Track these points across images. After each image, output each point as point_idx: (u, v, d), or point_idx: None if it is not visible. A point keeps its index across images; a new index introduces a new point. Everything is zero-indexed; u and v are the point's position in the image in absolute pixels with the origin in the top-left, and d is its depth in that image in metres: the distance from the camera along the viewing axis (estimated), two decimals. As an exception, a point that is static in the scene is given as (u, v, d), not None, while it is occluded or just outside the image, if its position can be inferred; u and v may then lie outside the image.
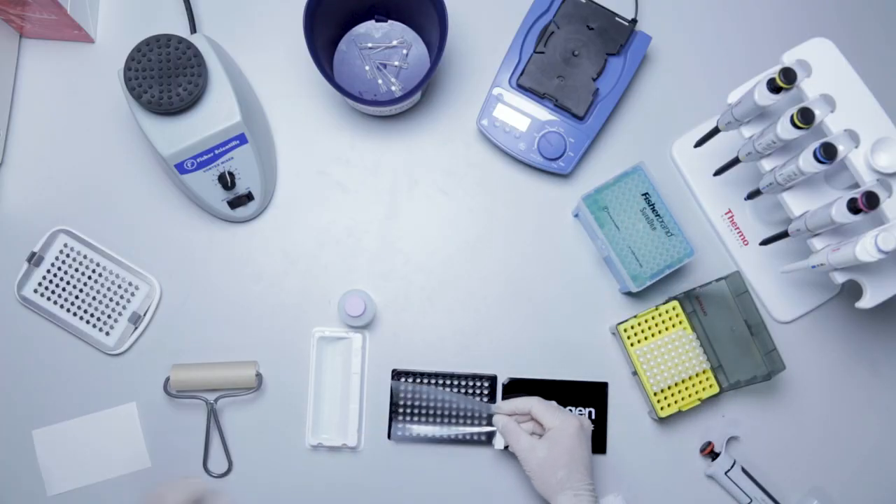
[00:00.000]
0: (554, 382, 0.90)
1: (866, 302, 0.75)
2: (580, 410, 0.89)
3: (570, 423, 0.79)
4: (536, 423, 0.82)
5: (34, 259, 0.89)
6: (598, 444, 0.89)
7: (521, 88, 0.90)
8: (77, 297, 0.89)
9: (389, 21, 0.93)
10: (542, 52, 0.90)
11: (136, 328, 0.89)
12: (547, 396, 0.88)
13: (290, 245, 0.92)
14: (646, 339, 0.87)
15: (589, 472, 0.79)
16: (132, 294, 0.89)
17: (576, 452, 0.78)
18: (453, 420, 0.88)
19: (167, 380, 0.86)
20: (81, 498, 0.88)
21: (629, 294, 0.91)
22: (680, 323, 0.88)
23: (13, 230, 0.91)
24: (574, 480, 0.77)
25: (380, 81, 0.93)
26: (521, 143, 0.90)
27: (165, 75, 0.81)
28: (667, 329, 0.88)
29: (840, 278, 0.75)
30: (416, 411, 0.88)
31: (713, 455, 0.89)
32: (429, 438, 0.88)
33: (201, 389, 0.87)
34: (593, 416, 0.89)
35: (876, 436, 0.92)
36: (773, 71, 0.71)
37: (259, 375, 0.87)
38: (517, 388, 0.89)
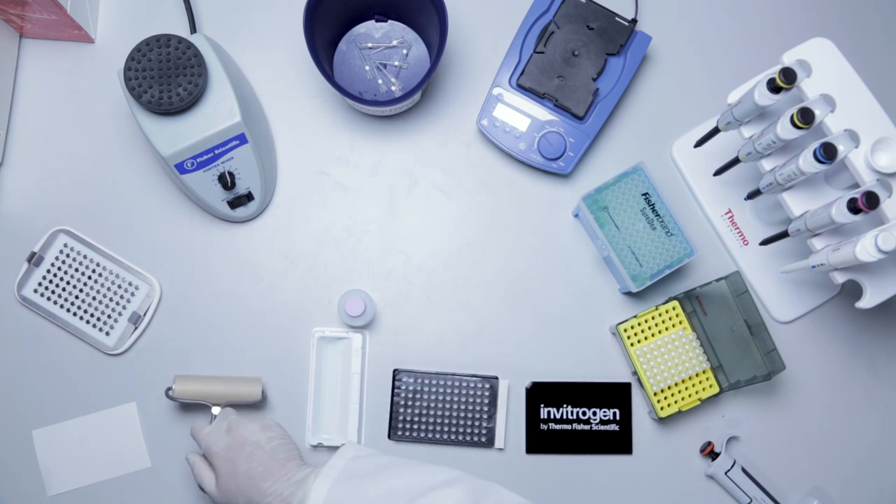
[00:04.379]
0: (577, 385, 0.89)
1: (866, 302, 0.75)
2: (604, 412, 0.89)
3: (214, 446, 0.74)
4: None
5: (34, 259, 0.89)
6: (624, 444, 0.89)
7: (521, 88, 0.90)
8: (77, 297, 0.89)
9: (389, 21, 0.93)
10: (542, 52, 0.90)
11: (136, 328, 0.89)
12: (568, 399, 0.88)
13: (290, 245, 0.92)
14: (646, 339, 0.87)
15: (264, 478, 0.72)
16: (132, 294, 0.89)
17: (238, 475, 0.73)
18: (453, 420, 0.88)
19: (169, 388, 0.85)
20: (81, 498, 0.88)
21: (629, 294, 0.91)
22: (680, 323, 0.88)
23: (13, 230, 0.91)
24: (256, 499, 0.72)
25: (380, 81, 0.93)
26: (521, 143, 0.90)
27: (165, 75, 0.81)
28: (667, 329, 0.88)
29: (840, 278, 0.75)
30: (416, 411, 0.88)
31: (713, 455, 0.89)
32: (429, 439, 0.88)
33: (204, 399, 0.85)
34: (617, 417, 0.89)
35: (876, 436, 0.92)
36: (773, 71, 0.71)
37: (264, 394, 0.86)
38: (541, 392, 0.89)
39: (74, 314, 0.89)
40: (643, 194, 0.85)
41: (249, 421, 0.78)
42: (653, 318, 0.88)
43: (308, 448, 0.88)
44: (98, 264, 0.90)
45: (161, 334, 0.90)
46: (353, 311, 0.84)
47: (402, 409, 0.89)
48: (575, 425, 0.89)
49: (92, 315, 0.89)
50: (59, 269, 0.89)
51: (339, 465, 0.72)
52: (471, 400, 0.89)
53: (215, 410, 0.84)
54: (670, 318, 0.88)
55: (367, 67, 0.93)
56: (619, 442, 0.89)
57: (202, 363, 0.89)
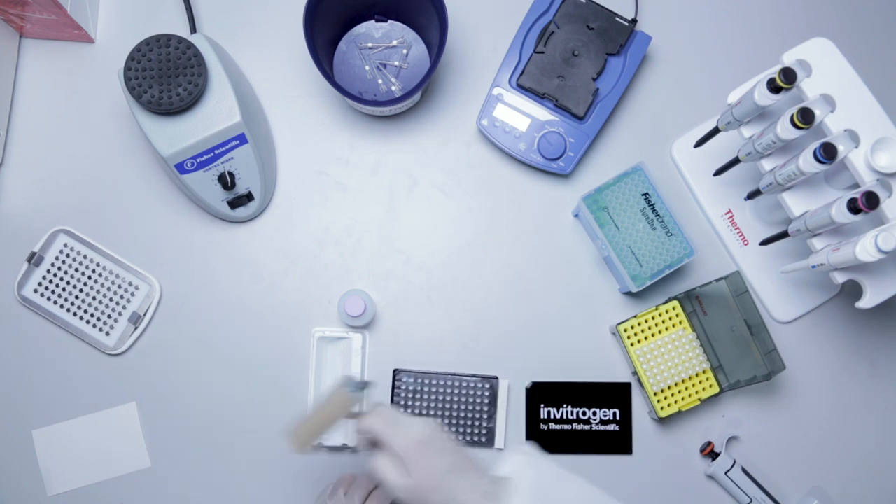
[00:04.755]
0: (577, 385, 0.89)
1: (866, 302, 0.75)
2: (604, 412, 0.89)
3: (416, 438, 0.69)
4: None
5: (34, 259, 0.89)
6: (624, 444, 0.89)
7: (521, 88, 0.90)
8: (77, 297, 0.89)
9: (389, 21, 0.93)
10: (542, 52, 0.90)
11: (136, 328, 0.89)
12: (568, 399, 0.88)
13: (290, 245, 0.92)
14: (646, 339, 0.87)
15: (461, 474, 0.67)
16: (132, 294, 0.89)
17: (438, 467, 0.68)
18: (454, 420, 0.88)
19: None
20: (81, 498, 0.88)
21: (629, 294, 0.91)
22: (680, 323, 0.88)
23: (13, 230, 0.91)
24: (453, 494, 0.67)
25: (380, 81, 0.93)
26: (521, 143, 0.90)
27: (165, 75, 0.81)
28: (667, 329, 0.88)
29: (840, 278, 0.75)
30: (416, 411, 0.88)
31: (713, 455, 0.89)
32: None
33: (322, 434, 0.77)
34: (617, 417, 0.89)
35: (876, 436, 0.92)
36: (773, 71, 0.71)
37: (362, 383, 0.78)
38: (541, 392, 0.89)
39: (74, 314, 0.89)
40: (643, 194, 0.85)
41: (423, 416, 0.74)
42: (653, 318, 0.88)
43: (308, 448, 0.88)
44: (98, 264, 0.90)
45: (161, 334, 0.90)
46: (353, 311, 0.84)
47: (402, 410, 0.89)
48: (575, 425, 0.89)
49: (92, 315, 0.89)
50: (59, 269, 0.89)
51: (532, 476, 0.69)
52: (471, 400, 0.89)
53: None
54: (670, 318, 0.88)
55: (367, 67, 0.93)
56: (619, 442, 0.89)
57: (202, 363, 0.89)
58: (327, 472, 0.88)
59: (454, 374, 0.89)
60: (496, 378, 0.89)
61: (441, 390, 0.89)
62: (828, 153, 0.69)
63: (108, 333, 0.89)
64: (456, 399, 0.89)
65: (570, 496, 0.69)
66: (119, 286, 0.89)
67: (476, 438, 0.88)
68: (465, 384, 0.89)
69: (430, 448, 0.69)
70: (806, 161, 0.70)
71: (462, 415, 0.88)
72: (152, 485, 0.88)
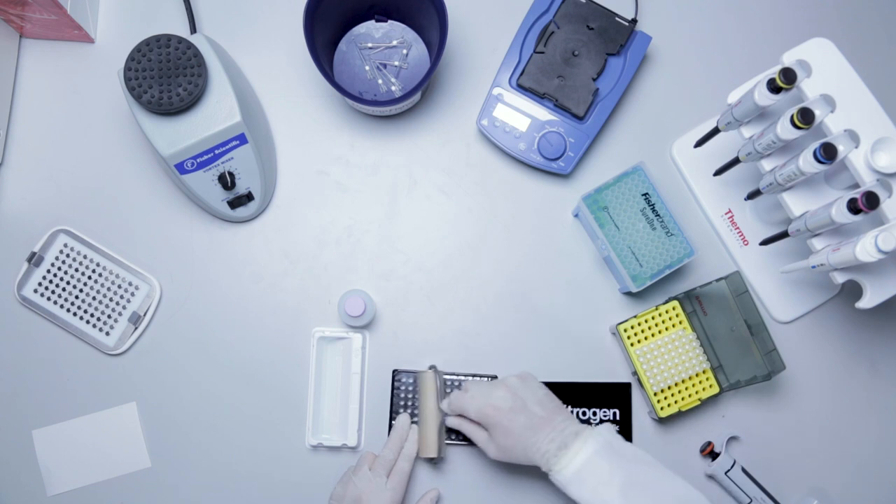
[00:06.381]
0: (577, 385, 0.89)
1: (866, 302, 0.75)
2: (604, 412, 0.89)
3: (489, 408, 0.78)
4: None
5: (34, 259, 0.89)
6: None
7: (521, 88, 0.90)
8: (77, 297, 0.89)
9: (389, 21, 0.93)
10: (542, 52, 0.90)
11: (136, 328, 0.89)
12: (568, 398, 0.89)
13: (290, 245, 0.92)
14: (646, 339, 0.87)
15: (539, 428, 0.77)
16: (132, 294, 0.89)
17: (514, 428, 0.77)
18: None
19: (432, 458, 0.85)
20: (81, 498, 0.88)
21: (629, 294, 0.91)
22: (680, 323, 0.88)
23: (13, 230, 0.91)
24: (533, 449, 0.76)
25: (380, 81, 0.93)
26: (521, 143, 0.90)
27: (165, 75, 0.81)
28: (667, 329, 0.88)
29: (840, 278, 0.75)
30: (416, 411, 0.88)
31: (713, 455, 0.89)
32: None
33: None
34: (617, 417, 0.89)
35: (876, 436, 0.92)
36: (773, 71, 0.71)
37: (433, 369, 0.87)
38: None
39: (74, 314, 0.89)
40: (643, 194, 0.85)
41: (510, 376, 0.82)
42: (653, 318, 0.88)
43: (308, 448, 0.88)
44: (98, 264, 0.90)
45: (161, 334, 0.90)
46: (353, 311, 0.84)
47: (402, 410, 0.89)
48: (575, 425, 0.89)
49: (92, 315, 0.89)
50: (59, 269, 0.89)
51: (605, 434, 0.76)
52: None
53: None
54: (670, 318, 0.88)
55: (367, 67, 0.93)
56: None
57: (202, 363, 0.90)
58: (327, 472, 0.88)
59: (454, 374, 0.89)
60: (496, 378, 0.89)
61: (443, 394, 0.88)
62: (828, 153, 0.69)
63: (108, 333, 0.89)
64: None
65: (635, 453, 0.76)
66: (119, 286, 0.89)
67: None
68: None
69: (505, 412, 0.78)
70: (806, 161, 0.70)
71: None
72: (152, 485, 0.88)
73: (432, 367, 0.87)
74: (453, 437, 0.88)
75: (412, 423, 0.87)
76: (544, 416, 0.78)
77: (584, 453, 0.73)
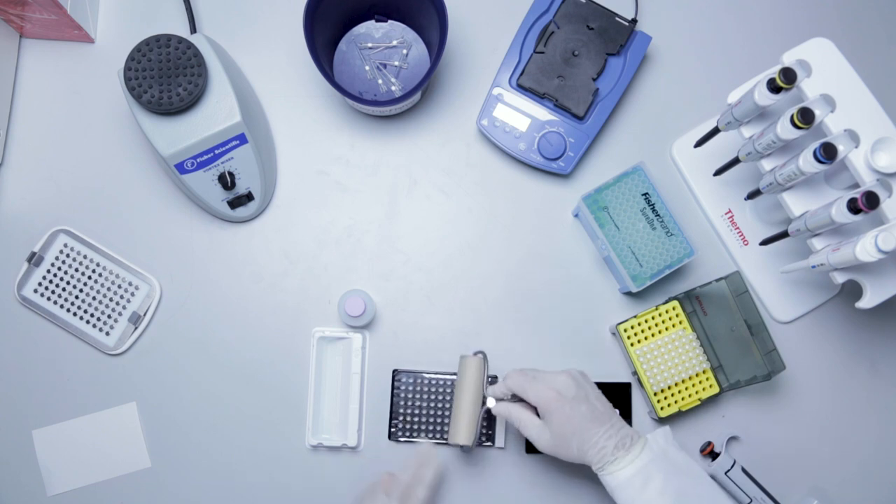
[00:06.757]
0: None
1: (866, 302, 0.75)
2: None
3: (553, 392, 0.76)
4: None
5: (34, 259, 0.89)
6: None
7: (521, 88, 0.90)
8: (77, 297, 0.89)
9: (389, 21, 0.93)
10: (542, 52, 0.90)
11: (136, 328, 0.89)
12: None
13: (290, 245, 0.92)
14: (646, 339, 0.87)
15: (600, 422, 0.75)
16: (132, 294, 0.89)
17: (575, 417, 0.75)
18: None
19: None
20: (81, 498, 0.88)
21: (629, 294, 0.91)
22: (680, 323, 0.88)
23: (13, 230, 0.91)
24: (590, 443, 0.74)
25: (380, 81, 0.93)
26: (521, 143, 0.90)
27: (165, 75, 0.81)
28: (667, 329, 0.88)
29: (840, 278, 0.75)
30: (416, 411, 0.88)
31: (713, 455, 0.89)
32: (429, 439, 0.88)
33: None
34: None
35: (876, 436, 0.92)
36: (773, 71, 0.71)
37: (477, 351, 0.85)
38: None
39: (74, 314, 0.89)
40: (643, 194, 0.85)
41: (572, 368, 0.80)
42: (653, 318, 0.88)
43: (308, 448, 0.88)
44: (98, 264, 0.90)
45: (161, 334, 0.90)
46: (353, 311, 0.84)
47: (402, 409, 0.89)
48: (575, 425, 0.89)
49: (92, 315, 0.89)
50: (59, 269, 0.89)
51: (660, 441, 0.76)
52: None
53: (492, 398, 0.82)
54: (670, 318, 0.88)
55: (367, 67, 0.93)
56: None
57: (202, 363, 0.90)
58: (327, 472, 0.88)
59: (454, 374, 0.89)
60: (496, 378, 0.89)
61: (441, 390, 0.88)
62: (828, 153, 0.69)
63: (108, 333, 0.89)
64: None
65: (688, 465, 0.76)
66: (119, 286, 0.89)
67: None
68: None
69: (568, 399, 0.76)
70: (806, 161, 0.70)
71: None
72: (152, 485, 0.88)
73: (480, 353, 0.84)
74: (482, 440, 0.88)
75: (438, 442, 0.86)
76: (604, 412, 0.76)
77: (641, 460, 0.73)
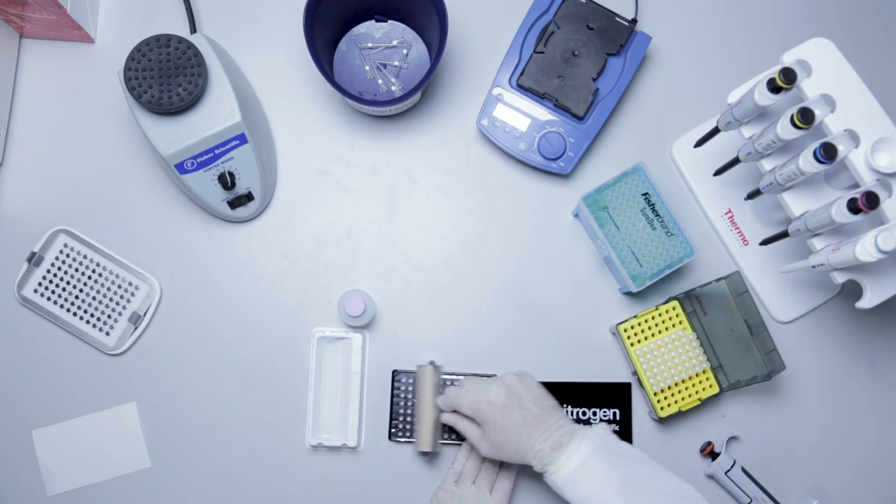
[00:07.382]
0: (577, 385, 0.89)
1: (866, 302, 0.75)
2: (604, 412, 0.89)
3: (484, 403, 0.78)
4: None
5: (34, 259, 0.89)
6: None
7: (521, 88, 0.90)
8: (77, 297, 0.89)
9: (389, 21, 0.93)
10: (542, 52, 0.90)
11: (136, 328, 0.89)
12: (568, 398, 0.89)
13: (290, 245, 0.92)
14: (646, 339, 0.87)
15: (535, 426, 0.76)
16: (132, 294, 0.89)
17: (508, 425, 0.76)
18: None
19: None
20: (81, 498, 0.88)
21: (629, 294, 0.91)
22: (680, 323, 0.88)
23: (13, 230, 0.91)
24: (526, 447, 0.75)
25: (380, 81, 0.93)
26: (521, 143, 0.90)
27: (165, 75, 0.81)
28: (667, 329, 0.88)
29: (840, 278, 0.75)
30: (415, 411, 0.88)
31: (713, 455, 0.89)
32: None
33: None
34: (617, 417, 0.89)
35: (876, 436, 0.92)
36: (773, 71, 0.71)
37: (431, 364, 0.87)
38: None
39: (74, 314, 0.89)
40: (643, 194, 0.85)
41: (508, 373, 0.82)
42: (653, 318, 0.88)
43: (308, 448, 0.88)
44: (98, 264, 0.90)
45: (161, 334, 0.90)
46: (353, 311, 0.84)
47: (402, 410, 0.89)
48: (575, 425, 0.89)
49: (92, 315, 0.89)
50: (59, 269, 0.89)
51: (601, 434, 0.76)
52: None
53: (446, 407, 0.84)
54: (670, 318, 0.88)
55: (367, 67, 0.93)
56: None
57: (202, 363, 0.90)
58: (327, 472, 0.88)
59: (454, 374, 0.89)
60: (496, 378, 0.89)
61: (440, 390, 0.88)
62: (828, 153, 0.69)
63: (108, 333, 0.89)
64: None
65: (632, 453, 0.76)
66: (119, 286, 0.89)
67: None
68: (465, 384, 0.89)
69: (499, 408, 0.77)
70: (806, 161, 0.70)
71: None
72: (152, 485, 0.88)
73: (431, 363, 0.87)
74: (453, 437, 0.88)
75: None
76: (539, 415, 0.77)
77: (580, 454, 0.73)
